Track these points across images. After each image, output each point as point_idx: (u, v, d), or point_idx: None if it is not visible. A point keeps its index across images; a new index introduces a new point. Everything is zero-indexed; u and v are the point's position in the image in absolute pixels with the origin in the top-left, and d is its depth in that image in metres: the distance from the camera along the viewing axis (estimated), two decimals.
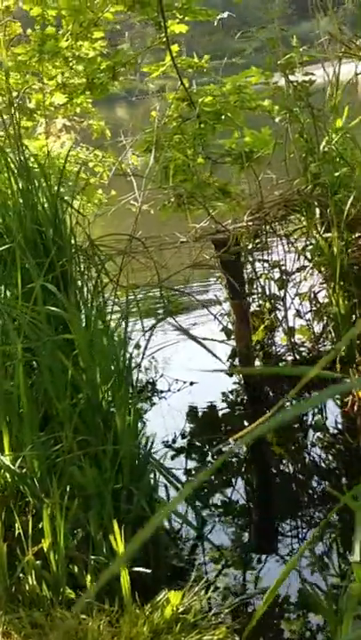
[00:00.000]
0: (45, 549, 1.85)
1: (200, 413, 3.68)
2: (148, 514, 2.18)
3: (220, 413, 3.67)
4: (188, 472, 3.18)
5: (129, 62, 4.04)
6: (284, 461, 3.31)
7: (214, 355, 2.93)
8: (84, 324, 2.54)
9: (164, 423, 3.56)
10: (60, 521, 1.86)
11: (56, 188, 3.07)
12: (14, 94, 4.86)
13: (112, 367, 2.43)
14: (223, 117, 4.26)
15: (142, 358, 3.10)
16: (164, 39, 4.22)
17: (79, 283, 3.14)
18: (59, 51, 4.03)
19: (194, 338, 2.78)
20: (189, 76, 4.51)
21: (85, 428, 2.30)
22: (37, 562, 1.88)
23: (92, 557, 1.90)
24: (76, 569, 1.95)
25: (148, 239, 3.54)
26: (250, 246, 3.64)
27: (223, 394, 3.74)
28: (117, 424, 2.40)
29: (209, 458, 3.37)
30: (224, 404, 3.72)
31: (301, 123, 3.46)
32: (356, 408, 3.26)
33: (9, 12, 4.49)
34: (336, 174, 3.27)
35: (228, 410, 3.70)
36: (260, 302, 3.74)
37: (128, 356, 2.55)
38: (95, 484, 2.01)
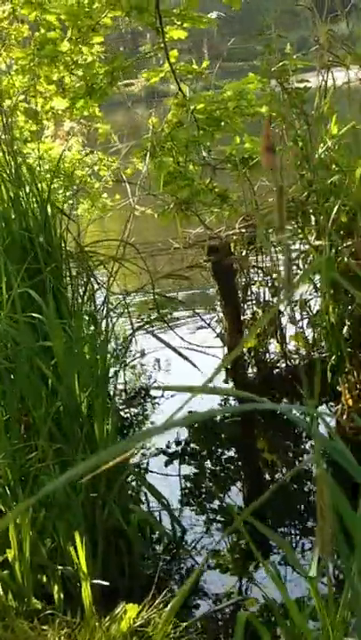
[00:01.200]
0: (10, 559, 1.85)
1: None
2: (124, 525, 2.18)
3: (213, 420, 3.65)
4: (183, 478, 3.17)
5: (127, 67, 4.05)
6: (272, 470, 3.30)
7: (193, 364, 2.92)
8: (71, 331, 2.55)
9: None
10: (26, 531, 1.85)
11: (47, 192, 3.08)
12: (21, 97, 4.89)
13: (92, 375, 2.42)
14: (223, 124, 4.26)
15: (123, 366, 3.09)
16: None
17: (69, 289, 3.15)
18: (57, 55, 4.05)
19: (172, 348, 2.77)
20: (191, 81, 4.52)
21: (62, 436, 2.30)
22: (5, 572, 1.88)
23: (60, 568, 1.90)
24: (44, 578, 1.95)
25: (141, 245, 3.54)
26: (244, 253, 3.63)
27: (217, 400, 3.73)
28: (96, 432, 2.40)
29: (202, 463, 3.38)
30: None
31: (296, 129, 3.44)
32: (345, 416, 3.24)
33: (16, 17, 4.52)
34: (328, 181, 3.24)
35: (220, 417, 3.69)
36: (255, 309, 3.73)
37: (109, 363, 2.55)
38: (65, 494, 2.01)
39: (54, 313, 2.36)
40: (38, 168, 4.92)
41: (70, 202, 5.08)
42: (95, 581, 1.77)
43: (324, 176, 3.35)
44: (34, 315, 2.49)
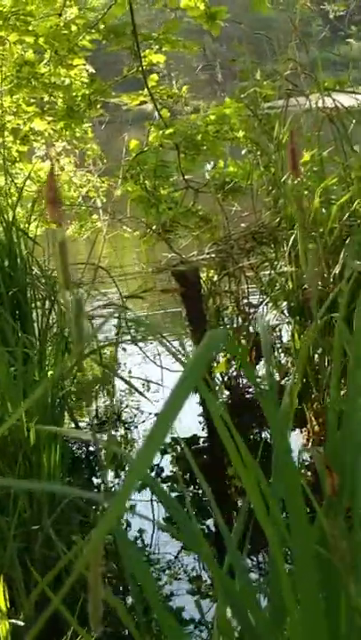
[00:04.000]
0: None
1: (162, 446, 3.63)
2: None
3: (180, 446, 3.61)
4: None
5: (106, 91, 4.06)
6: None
7: (143, 395, 2.89)
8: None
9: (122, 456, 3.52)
10: None
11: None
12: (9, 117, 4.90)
13: (39, 403, 2.40)
14: (205, 147, 4.26)
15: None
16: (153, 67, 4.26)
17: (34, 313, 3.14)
18: (36, 77, 4.06)
19: (122, 378, 2.74)
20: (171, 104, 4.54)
21: (5, 465, 2.28)
22: None
23: None
24: None
25: (112, 268, 3.53)
26: (215, 278, 3.62)
27: (187, 425, 3.69)
28: (43, 462, 2.37)
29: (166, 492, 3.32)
30: (187, 435, 3.66)
31: (267, 155, 3.43)
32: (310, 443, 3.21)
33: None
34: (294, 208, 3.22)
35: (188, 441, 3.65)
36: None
37: (58, 390, 2.53)
38: None
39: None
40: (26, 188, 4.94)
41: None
42: (12, 620, 1.74)
43: (289, 203, 3.34)
44: None
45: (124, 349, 3.98)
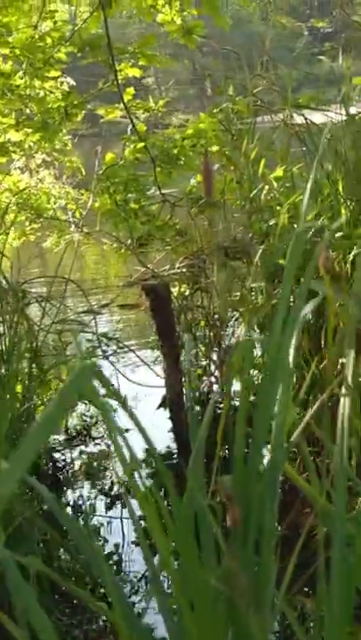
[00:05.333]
0: None
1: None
2: None
3: (147, 463, 3.58)
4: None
5: (80, 104, 4.05)
6: None
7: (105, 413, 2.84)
8: None
9: (93, 474, 3.49)
10: None
11: None
12: None
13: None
14: (182, 161, 4.25)
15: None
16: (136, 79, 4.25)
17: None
18: (11, 89, 4.04)
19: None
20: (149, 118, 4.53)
21: None
22: None
23: None
24: None
25: (82, 283, 3.51)
26: (187, 292, 3.60)
27: (158, 441, 3.66)
28: None
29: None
30: (161, 450, 3.63)
31: (240, 170, 3.42)
32: None
33: None
34: (268, 223, 3.21)
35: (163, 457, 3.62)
36: (198, 349, 3.68)
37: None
38: None
39: None
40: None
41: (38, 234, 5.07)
42: None
43: (265, 218, 3.33)
44: None
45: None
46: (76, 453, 3.64)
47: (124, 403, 1.01)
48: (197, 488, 0.80)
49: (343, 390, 0.86)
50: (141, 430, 0.96)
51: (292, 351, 0.86)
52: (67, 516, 0.95)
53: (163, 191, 4.21)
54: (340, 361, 1.05)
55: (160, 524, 0.71)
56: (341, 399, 0.85)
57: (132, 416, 0.99)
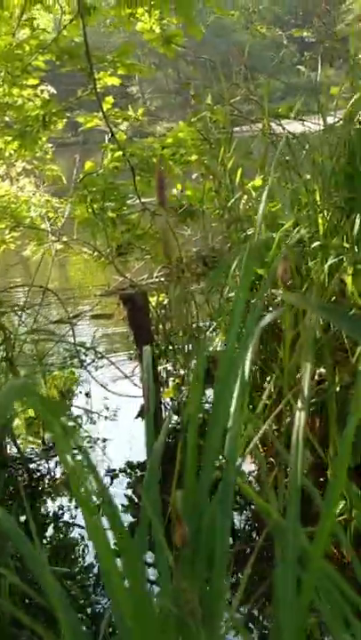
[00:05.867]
0: None
1: (107, 474, 3.56)
2: None
3: (127, 473, 3.55)
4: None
5: (59, 112, 4.03)
6: None
7: (73, 420, 2.83)
8: None
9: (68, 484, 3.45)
10: None
11: None
12: None
13: None
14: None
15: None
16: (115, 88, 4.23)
17: None
18: None
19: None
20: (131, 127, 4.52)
21: None
22: None
23: None
24: None
25: (60, 291, 3.48)
26: (165, 302, 3.58)
27: (136, 452, 3.62)
28: None
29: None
30: (136, 461, 3.60)
31: (218, 179, 3.42)
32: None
33: None
34: (245, 233, 3.20)
35: (137, 470, 3.59)
36: (175, 359, 3.66)
37: None
38: None
39: None
40: None
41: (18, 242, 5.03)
42: None
43: (239, 228, 3.32)
44: None
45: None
46: (52, 464, 3.60)
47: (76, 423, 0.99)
48: (150, 505, 0.78)
49: (299, 403, 0.85)
50: None
51: (248, 363, 0.84)
52: (19, 537, 0.92)
53: (144, 200, 4.21)
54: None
55: (108, 549, 0.69)
56: (297, 412, 0.83)
57: None
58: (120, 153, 3.59)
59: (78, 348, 3.42)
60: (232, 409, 0.82)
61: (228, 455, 0.77)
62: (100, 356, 3.55)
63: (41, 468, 3.56)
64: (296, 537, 0.76)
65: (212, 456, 0.76)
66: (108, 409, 3.90)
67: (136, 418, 3.65)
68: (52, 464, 3.61)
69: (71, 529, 3.11)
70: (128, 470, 3.49)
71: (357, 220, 2.63)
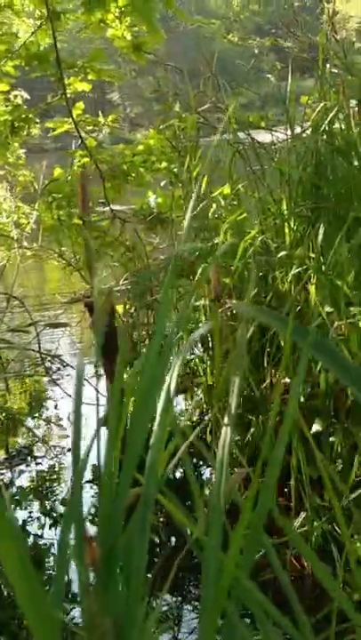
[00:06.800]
0: None
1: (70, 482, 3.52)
2: None
3: (94, 482, 3.51)
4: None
5: (28, 118, 4.00)
6: None
7: (31, 430, 2.79)
8: None
9: (34, 493, 3.40)
10: None
11: None
12: None
13: None
14: (132, 177, 4.23)
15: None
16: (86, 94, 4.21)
17: None
18: None
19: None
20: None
21: None
22: None
23: None
24: None
25: (25, 298, 3.44)
26: (132, 310, 3.55)
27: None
28: None
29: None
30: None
31: (186, 187, 3.40)
32: None
33: None
34: (212, 241, 3.19)
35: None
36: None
37: None
38: None
39: None
40: None
41: None
42: None
43: (212, 235, 3.31)
44: None
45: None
46: (16, 473, 3.56)
47: None
48: (74, 522, 0.75)
49: (225, 419, 0.82)
50: None
51: (174, 379, 0.82)
52: None
53: (116, 207, 4.19)
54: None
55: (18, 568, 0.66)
56: (223, 428, 0.81)
57: None
58: (86, 159, 3.56)
59: (43, 355, 3.38)
60: (156, 425, 0.80)
61: (149, 470, 0.75)
62: (65, 364, 3.51)
63: (3, 476, 3.52)
64: (215, 554, 0.73)
65: (129, 472, 0.73)
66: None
67: (101, 426, 3.61)
68: (15, 473, 3.57)
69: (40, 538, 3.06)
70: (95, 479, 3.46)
71: (321, 230, 2.62)
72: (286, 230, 2.98)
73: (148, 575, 2.37)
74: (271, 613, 0.72)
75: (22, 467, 3.57)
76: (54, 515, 3.27)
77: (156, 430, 0.77)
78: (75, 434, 0.88)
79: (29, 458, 3.67)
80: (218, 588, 0.66)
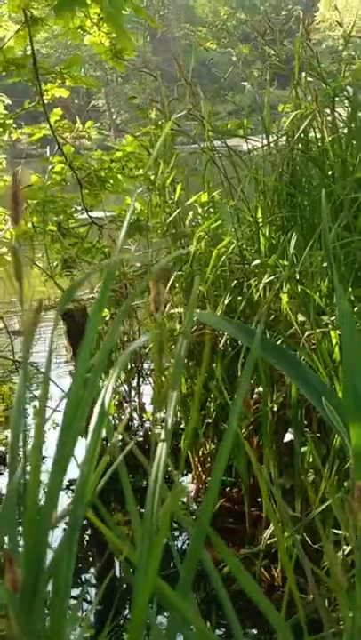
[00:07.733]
0: None
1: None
2: None
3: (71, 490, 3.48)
4: None
5: (6, 124, 3.97)
6: None
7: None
8: None
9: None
10: None
11: None
12: None
13: None
14: (110, 184, 4.21)
15: None
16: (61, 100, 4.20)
17: None
18: None
19: None
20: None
21: None
22: None
23: None
24: None
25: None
26: (107, 317, 3.52)
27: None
28: None
29: None
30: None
31: (163, 195, 3.38)
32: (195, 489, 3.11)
33: None
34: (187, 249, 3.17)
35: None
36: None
37: None
38: None
39: None
40: None
41: None
42: None
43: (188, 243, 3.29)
44: None
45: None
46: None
47: None
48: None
49: (162, 435, 0.80)
50: None
51: (108, 393, 0.80)
52: None
53: (94, 214, 4.17)
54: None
55: None
56: (160, 443, 0.79)
57: None
58: (62, 166, 3.54)
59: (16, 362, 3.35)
60: (89, 442, 0.78)
61: (77, 492, 0.73)
62: (40, 371, 3.47)
63: None
64: (148, 576, 0.71)
65: (54, 493, 0.71)
66: (58, 425, 3.82)
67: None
68: None
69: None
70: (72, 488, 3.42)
71: (294, 238, 2.61)
72: (261, 239, 2.97)
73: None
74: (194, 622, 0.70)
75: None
76: None
77: (86, 450, 0.75)
78: (12, 437, 0.86)
79: (3, 467, 3.63)
80: (138, 605, 0.64)
